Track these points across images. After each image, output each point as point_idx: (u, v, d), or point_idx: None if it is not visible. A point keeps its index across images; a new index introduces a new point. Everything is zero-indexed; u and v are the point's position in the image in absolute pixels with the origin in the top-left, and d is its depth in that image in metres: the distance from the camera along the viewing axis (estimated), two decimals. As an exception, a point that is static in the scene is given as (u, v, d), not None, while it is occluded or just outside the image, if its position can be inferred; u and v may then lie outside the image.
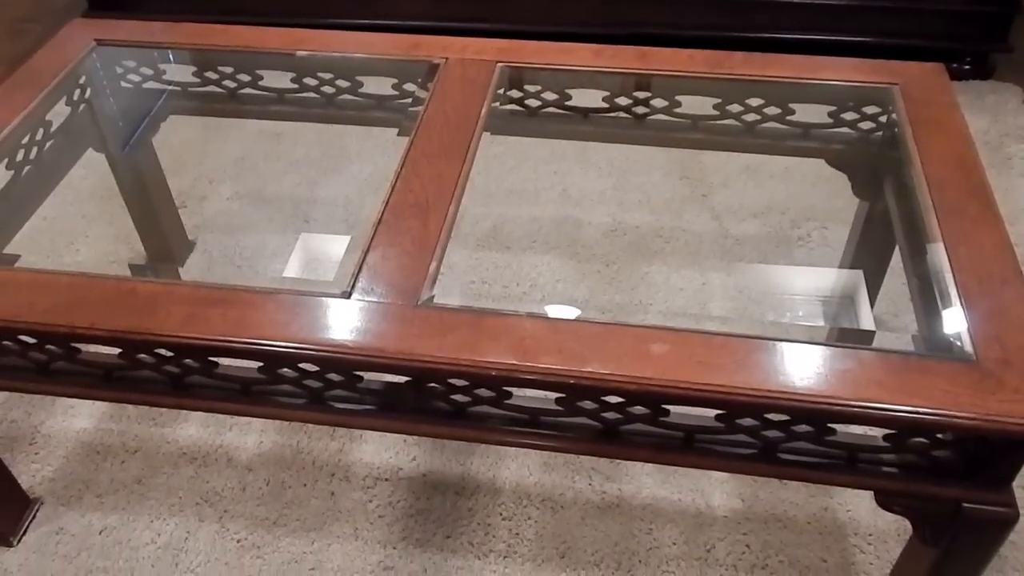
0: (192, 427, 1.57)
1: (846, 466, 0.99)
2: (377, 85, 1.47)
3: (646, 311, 1.74)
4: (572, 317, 1.02)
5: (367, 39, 1.47)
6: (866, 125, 1.37)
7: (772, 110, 1.38)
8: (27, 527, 1.43)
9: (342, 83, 1.47)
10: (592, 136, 1.54)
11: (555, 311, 1.04)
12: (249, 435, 1.55)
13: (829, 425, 0.96)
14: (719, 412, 0.97)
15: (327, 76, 1.47)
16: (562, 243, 1.89)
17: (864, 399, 0.90)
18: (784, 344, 0.95)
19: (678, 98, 1.40)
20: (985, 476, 0.96)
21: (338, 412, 1.08)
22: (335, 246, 1.28)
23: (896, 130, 1.28)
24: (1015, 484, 0.97)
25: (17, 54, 1.44)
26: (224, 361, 1.06)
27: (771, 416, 0.95)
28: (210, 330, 0.99)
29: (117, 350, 1.06)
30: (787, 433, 0.97)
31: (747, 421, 0.97)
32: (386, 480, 1.48)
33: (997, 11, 2.22)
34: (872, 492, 1.02)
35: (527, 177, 2.08)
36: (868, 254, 1.50)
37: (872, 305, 1.52)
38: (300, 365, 1.03)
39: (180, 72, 1.54)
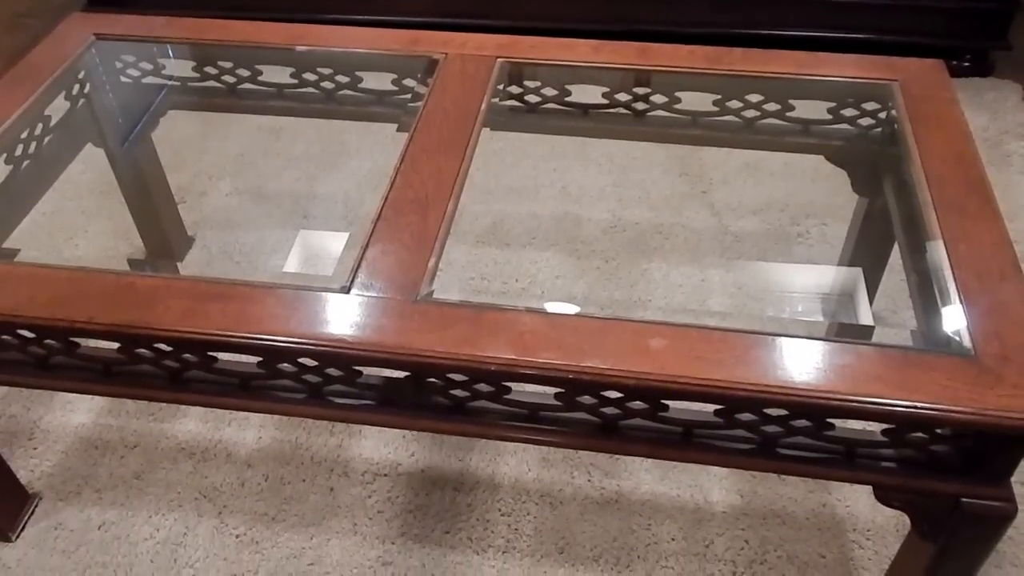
0: (191, 422, 1.57)
1: (845, 461, 1.00)
2: (377, 81, 1.47)
3: (645, 307, 1.74)
4: (571, 313, 1.02)
5: (367, 34, 1.47)
6: (866, 121, 1.37)
7: (772, 106, 1.38)
8: (26, 522, 1.43)
9: (342, 78, 1.47)
10: (592, 132, 1.54)
11: (554, 307, 1.03)
12: (248, 430, 1.55)
13: (828, 420, 0.96)
14: (718, 407, 0.97)
15: (326, 71, 1.47)
16: (561, 239, 1.89)
17: (863, 394, 0.90)
18: (783, 339, 0.95)
19: (678, 94, 1.40)
20: (983, 471, 0.96)
21: (337, 407, 1.08)
22: (334, 242, 1.27)
23: (896, 126, 1.28)
24: (1014, 480, 0.97)
25: (16, 49, 1.44)
26: (223, 356, 1.06)
27: (770, 411, 0.95)
28: (209, 324, 0.99)
29: (116, 344, 1.06)
30: (786, 428, 0.97)
31: (746, 416, 0.97)
32: (385, 476, 1.48)
33: (997, 8, 2.22)
34: (871, 487, 1.02)
35: (526, 173, 2.08)
36: (867, 250, 1.51)
37: (871, 301, 1.52)
38: (299, 360, 1.03)
39: (179, 67, 1.54)
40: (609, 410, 1.00)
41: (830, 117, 1.37)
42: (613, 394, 0.98)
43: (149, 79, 1.54)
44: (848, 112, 1.36)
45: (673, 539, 1.39)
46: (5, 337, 1.09)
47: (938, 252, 1.06)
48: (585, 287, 1.78)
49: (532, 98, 1.43)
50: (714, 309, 1.72)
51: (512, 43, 1.42)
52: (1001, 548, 1.34)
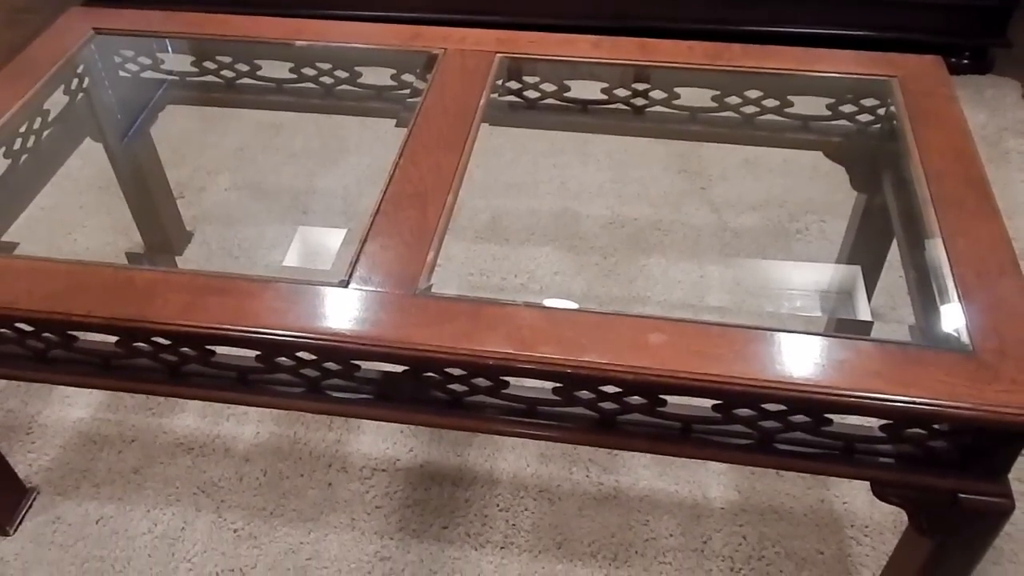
0: (189, 417, 1.57)
1: (843, 456, 1.00)
2: (376, 76, 1.47)
3: (644, 303, 1.74)
4: (570, 308, 1.02)
5: (366, 29, 1.47)
6: (864, 118, 1.36)
7: (771, 102, 1.38)
8: (24, 516, 1.43)
9: (341, 74, 1.47)
10: (591, 128, 1.54)
11: (553, 303, 1.03)
12: (246, 425, 1.55)
13: (826, 416, 0.96)
14: (716, 402, 0.97)
15: (326, 66, 1.47)
16: (560, 235, 1.89)
17: (861, 389, 0.90)
18: (781, 334, 0.95)
19: (677, 90, 1.40)
20: (981, 467, 0.96)
21: (335, 401, 1.08)
22: (333, 237, 1.27)
23: (894, 123, 1.28)
24: (1011, 477, 0.97)
25: (15, 44, 1.44)
26: (221, 350, 1.06)
27: (768, 406, 0.95)
28: (207, 318, 0.99)
29: (114, 338, 1.06)
30: (784, 423, 0.97)
31: (744, 411, 0.97)
32: (383, 471, 1.48)
33: (996, 5, 2.22)
34: (869, 483, 1.02)
35: (526, 169, 2.08)
36: (866, 247, 1.51)
37: (870, 298, 1.52)
38: (297, 354, 1.03)
39: (178, 62, 1.54)
40: (607, 405, 1.00)
41: (829, 113, 1.37)
42: (611, 389, 0.98)
43: (148, 74, 1.54)
44: (847, 108, 1.36)
45: (671, 535, 1.39)
46: (3, 330, 1.09)
47: (937, 248, 1.06)
48: (584, 283, 1.78)
49: (531, 94, 1.43)
50: (713, 305, 1.72)
51: (511, 39, 1.42)
52: (999, 544, 1.34)
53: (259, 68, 1.50)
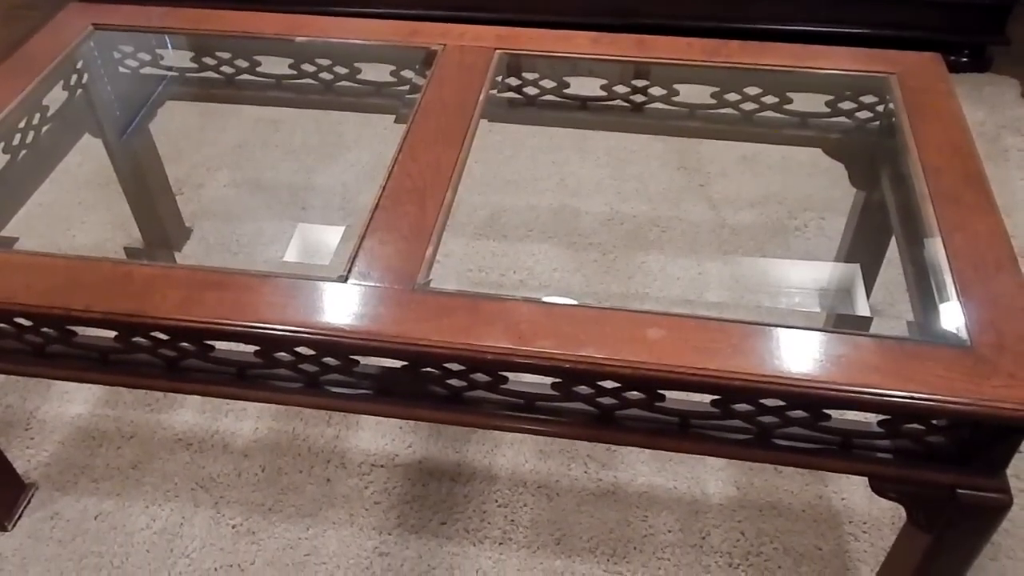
0: (188, 413, 1.57)
1: (841, 452, 1.00)
2: (375, 72, 1.47)
3: (643, 300, 1.74)
4: (568, 303, 1.02)
5: (365, 25, 1.47)
6: (863, 114, 1.37)
7: (769, 99, 1.38)
8: (22, 512, 1.43)
9: (340, 69, 1.47)
10: (590, 124, 1.54)
11: (551, 300, 1.03)
12: (245, 421, 1.55)
13: (824, 410, 0.96)
14: (714, 397, 0.97)
15: (325, 62, 1.47)
16: (559, 232, 1.89)
17: (859, 384, 0.90)
18: (779, 329, 0.95)
19: (676, 86, 1.40)
20: (979, 462, 0.96)
21: (334, 396, 1.08)
22: (332, 234, 1.28)
23: (893, 119, 1.28)
24: (1009, 473, 0.97)
25: (14, 40, 1.43)
26: (220, 345, 1.06)
27: (766, 401, 0.95)
28: (206, 313, 0.99)
29: (113, 333, 1.06)
30: (782, 418, 0.97)
31: (742, 406, 0.97)
32: (382, 467, 1.48)
33: (995, 3, 2.22)
34: (867, 479, 1.02)
35: (524, 165, 2.08)
36: (865, 243, 1.51)
37: (868, 294, 1.52)
38: (296, 349, 1.03)
39: (178, 57, 1.54)
40: (606, 400, 1.00)
41: (828, 110, 1.37)
42: (610, 384, 0.98)
43: (147, 69, 1.54)
44: (846, 105, 1.36)
45: (670, 531, 1.39)
46: (2, 325, 1.09)
47: (935, 244, 1.06)
48: (582, 279, 1.78)
49: (530, 90, 1.43)
50: (711, 301, 1.73)
51: (510, 34, 1.42)
52: (997, 540, 1.35)
53: (258, 64, 1.50)
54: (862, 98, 1.36)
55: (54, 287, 1.03)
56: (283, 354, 1.04)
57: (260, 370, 1.07)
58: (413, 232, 1.08)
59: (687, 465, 1.47)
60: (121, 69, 1.53)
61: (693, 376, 0.92)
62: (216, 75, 1.52)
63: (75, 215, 1.96)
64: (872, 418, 0.96)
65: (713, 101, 1.39)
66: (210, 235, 1.90)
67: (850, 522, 1.39)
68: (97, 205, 1.97)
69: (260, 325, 0.98)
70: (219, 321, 0.99)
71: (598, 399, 1.00)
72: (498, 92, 1.41)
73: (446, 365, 1.01)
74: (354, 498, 1.44)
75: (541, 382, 1.00)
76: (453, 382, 1.03)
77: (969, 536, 1.02)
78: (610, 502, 1.42)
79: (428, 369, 1.02)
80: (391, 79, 1.45)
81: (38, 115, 1.37)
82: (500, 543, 1.38)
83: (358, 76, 1.47)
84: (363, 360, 1.04)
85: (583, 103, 1.44)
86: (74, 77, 1.45)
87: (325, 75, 1.48)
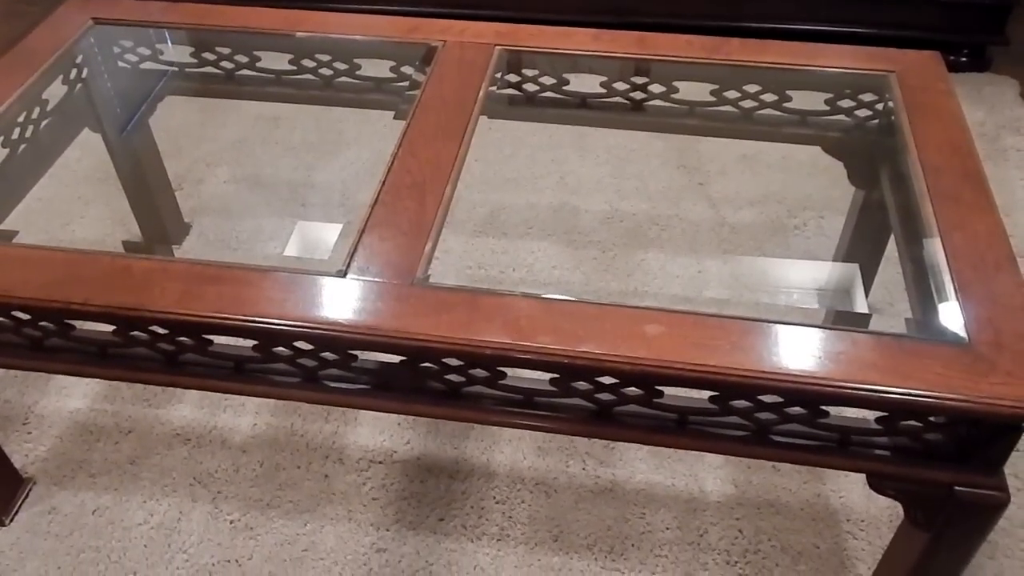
0: (186, 408, 1.57)
1: (839, 449, 1.00)
2: (375, 68, 1.47)
3: (642, 297, 1.74)
4: (568, 299, 1.02)
5: (365, 21, 1.47)
6: (863, 112, 1.37)
7: (769, 97, 1.38)
8: (19, 506, 1.43)
9: (340, 65, 1.47)
10: (590, 121, 1.54)
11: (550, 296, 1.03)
12: (243, 417, 1.55)
13: (822, 407, 0.96)
14: (713, 394, 0.97)
15: (325, 58, 1.47)
16: (559, 230, 1.89)
17: (857, 381, 0.90)
18: (778, 326, 0.95)
19: (676, 84, 1.40)
20: (977, 459, 0.96)
21: (332, 391, 1.08)
22: (331, 230, 1.28)
23: (892, 117, 1.28)
24: (1007, 471, 0.97)
25: (14, 36, 1.43)
26: (218, 339, 1.06)
27: (764, 398, 0.95)
28: (205, 307, 0.99)
29: (111, 327, 1.06)
30: (780, 415, 0.97)
31: (740, 403, 0.97)
32: (380, 463, 1.48)
33: (994, 3, 2.22)
34: (864, 477, 1.02)
35: (524, 163, 2.08)
36: (864, 242, 1.51)
37: (867, 292, 1.52)
38: (295, 343, 1.03)
39: (178, 52, 1.54)
40: (604, 396, 1.00)
41: (827, 108, 1.37)
42: (608, 380, 0.98)
43: (147, 64, 1.54)
44: (845, 103, 1.36)
45: (667, 528, 1.39)
46: (0, 319, 1.09)
47: (934, 243, 1.06)
48: (582, 277, 1.78)
49: (530, 87, 1.43)
50: (710, 298, 1.73)
51: (511, 31, 1.42)
52: (994, 539, 1.35)
53: (258, 59, 1.50)
54: (861, 96, 1.36)
55: (53, 281, 1.03)
56: (282, 348, 1.04)
57: (258, 364, 1.07)
58: (412, 227, 1.08)
59: (685, 463, 1.47)
60: (121, 64, 1.53)
61: (691, 372, 0.92)
62: (216, 70, 1.52)
63: (74, 210, 1.96)
64: (870, 415, 0.96)
65: (713, 99, 1.39)
66: (209, 231, 1.90)
67: (848, 520, 1.39)
68: (96, 200, 1.97)
69: (259, 319, 0.98)
70: (217, 315, 0.99)
71: (596, 395, 1.00)
72: (498, 89, 1.41)
73: (445, 360, 1.01)
74: (352, 494, 1.44)
75: (540, 378, 1.00)
76: (452, 377, 1.03)
77: (966, 534, 1.02)
78: (608, 499, 1.42)
79: (427, 364, 1.02)
80: (391, 75, 1.45)
81: (37, 109, 1.37)
82: (498, 539, 1.38)
83: (358, 72, 1.47)
84: (361, 355, 1.04)
85: (583, 100, 1.44)
86: (74, 72, 1.45)
87: (325, 71, 1.48)
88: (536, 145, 2.12)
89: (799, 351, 0.92)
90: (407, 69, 1.43)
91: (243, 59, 1.50)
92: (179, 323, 1.01)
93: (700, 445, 1.04)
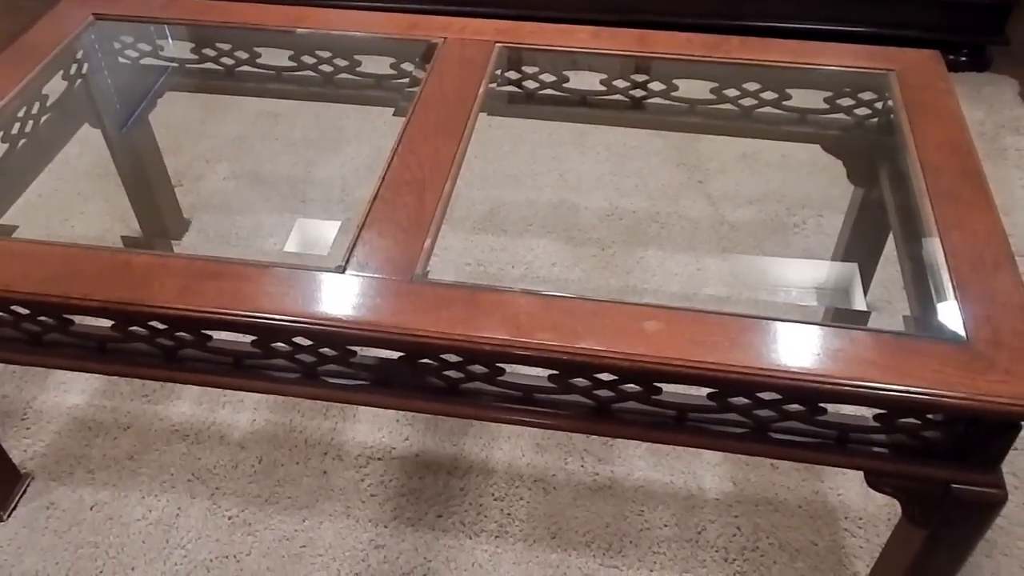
0: (185, 404, 1.57)
1: (837, 446, 1.00)
2: (375, 64, 1.47)
3: (641, 295, 1.74)
4: (567, 295, 1.02)
5: (366, 18, 1.47)
6: (862, 111, 1.37)
7: (769, 95, 1.38)
8: (17, 502, 1.43)
9: (340, 62, 1.47)
10: (589, 119, 1.54)
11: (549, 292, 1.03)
12: (242, 413, 1.55)
13: (820, 404, 0.96)
14: (711, 391, 0.97)
15: (325, 55, 1.47)
16: (558, 227, 1.89)
17: (856, 378, 0.90)
18: (777, 323, 0.95)
19: (676, 82, 1.40)
20: (974, 457, 0.96)
21: (331, 387, 1.08)
22: (332, 227, 1.27)
23: (892, 116, 1.28)
24: (1004, 469, 0.98)
25: (15, 32, 1.43)
26: (217, 334, 1.06)
27: (763, 395, 0.96)
28: (204, 302, 0.99)
29: (110, 322, 1.06)
30: (779, 412, 0.97)
31: (739, 400, 0.97)
32: (379, 459, 1.48)
33: (994, 3, 2.22)
34: (862, 474, 1.03)
35: (524, 160, 2.08)
36: (863, 240, 1.51)
37: (866, 290, 1.52)
38: (293, 339, 1.03)
39: (178, 48, 1.54)
40: (603, 393, 1.00)
41: (827, 106, 1.37)
42: (607, 376, 0.98)
43: (147, 60, 1.53)
44: (845, 101, 1.36)
45: (666, 525, 1.39)
46: (-1, 313, 1.09)
47: (933, 241, 1.06)
48: (581, 274, 1.78)
49: (530, 84, 1.43)
50: (709, 295, 1.73)
51: (511, 28, 1.42)
52: (991, 537, 1.35)
53: (259, 56, 1.50)
54: (861, 95, 1.36)
55: (52, 275, 1.03)
56: (281, 344, 1.04)
57: (257, 360, 1.07)
58: (411, 224, 1.08)
59: (683, 460, 1.47)
60: (121, 59, 1.53)
61: (690, 369, 0.92)
62: (216, 67, 1.52)
63: (74, 206, 1.96)
64: (868, 413, 0.97)
65: (713, 97, 1.39)
66: (209, 227, 1.90)
67: (846, 518, 1.39)
68: (96, 196, 1.97)
69: (258, 315, 0.98)
70: (217, 310, 0.99)
71: (595, 392, 1.00)
72: (498, 86, 1.41)
73: (443, 356, 1.01)
74: (350, 490, 1.44)
75: (538, 374, 1.00)
76: (450, 373, 1.03)
77: (964, 532, 1.02)
78: (606, 496, 1.43)
79: (425, 360, 1.02)
80: (391, 72, 1.45)
81: (37, 105, 1.37)
82: (496, 536, 1.38)
83: (358, 68, 1.47)
84: (360, 351, 1.05)
85: (583, 98, 1.44)
86: (74, 67, 1.45)
87: (325, 67, 1.48)
88: (536, 142, 2.12)
89: (798, 348, 0.93)
90: (407, 66, 1.43)
91: (243, 55, 1.50)
92: (178, 318, 1.01)
93: (698, 442, 1.04)
